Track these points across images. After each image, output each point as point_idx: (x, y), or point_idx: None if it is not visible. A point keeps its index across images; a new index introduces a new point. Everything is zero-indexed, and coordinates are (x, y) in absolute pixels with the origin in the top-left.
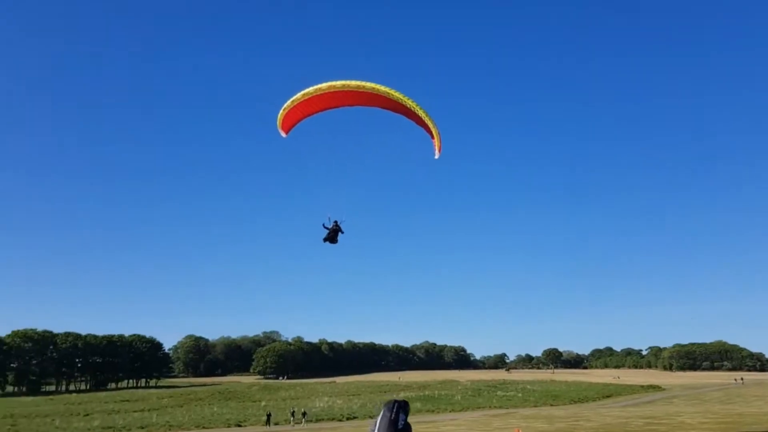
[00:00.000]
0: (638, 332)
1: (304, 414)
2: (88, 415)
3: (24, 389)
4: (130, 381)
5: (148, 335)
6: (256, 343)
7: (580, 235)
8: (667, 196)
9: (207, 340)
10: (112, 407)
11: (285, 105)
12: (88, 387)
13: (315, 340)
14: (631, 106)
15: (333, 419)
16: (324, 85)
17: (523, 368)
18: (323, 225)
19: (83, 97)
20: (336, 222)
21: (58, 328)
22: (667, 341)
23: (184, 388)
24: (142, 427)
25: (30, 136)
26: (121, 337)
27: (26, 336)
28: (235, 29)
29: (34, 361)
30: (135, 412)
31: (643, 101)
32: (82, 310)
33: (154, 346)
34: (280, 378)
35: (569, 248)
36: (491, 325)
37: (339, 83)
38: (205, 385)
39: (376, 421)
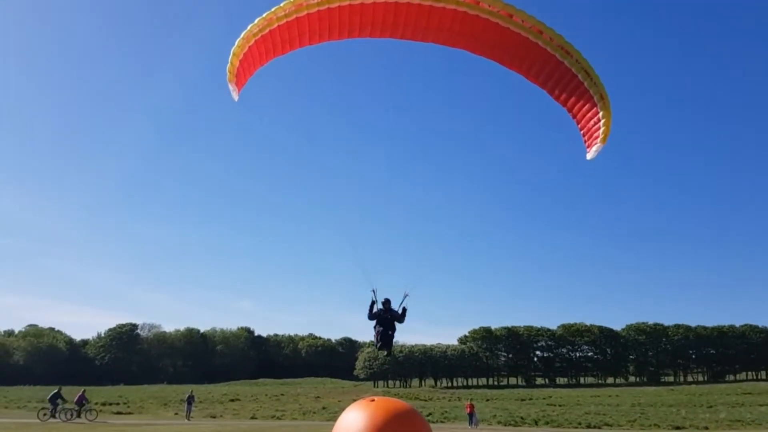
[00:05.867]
0: None
1: None
2: (711, 406)
3: (644, 379)
4: (749, 373)
5: (760, 325)
6: None
7: None
8: None
9: None
10: (735, 399)
11: (243, 34)
12: (705, 378)
13: None
14: None
15: None
16: None
17: None
18: (370, 309)
19: None
20: (387, 303)
21: (667, 320)
22: None
23: None
24: None
25: None
26: (731, 327)
27: (639, 329)
28: None
29: (650, 353)
30: (761, 405)
31: None
32: (689, 302)
33: None
34: None
35: None
36: None
37: None
38: None
39: None
